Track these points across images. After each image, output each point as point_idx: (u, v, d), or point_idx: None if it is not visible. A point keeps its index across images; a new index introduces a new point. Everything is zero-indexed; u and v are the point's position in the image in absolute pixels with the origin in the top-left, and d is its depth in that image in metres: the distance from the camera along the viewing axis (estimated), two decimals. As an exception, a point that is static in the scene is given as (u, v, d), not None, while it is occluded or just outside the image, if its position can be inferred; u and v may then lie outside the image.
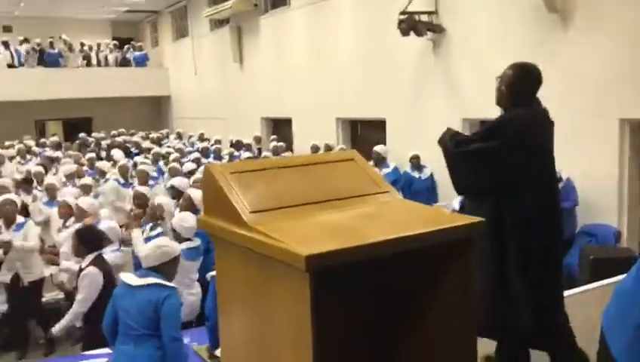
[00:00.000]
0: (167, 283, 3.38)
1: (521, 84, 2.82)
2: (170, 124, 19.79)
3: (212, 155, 10.96)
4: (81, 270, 4.23)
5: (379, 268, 2.06)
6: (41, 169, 8.93)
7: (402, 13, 7.87)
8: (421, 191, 7.92)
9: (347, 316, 2.05)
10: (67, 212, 5.91)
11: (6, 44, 17.63)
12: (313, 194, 2.04)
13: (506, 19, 7.31)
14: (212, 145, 11.89)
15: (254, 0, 13.52)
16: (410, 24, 7.80)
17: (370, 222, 1.96)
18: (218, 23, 16.14)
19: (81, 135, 15.29)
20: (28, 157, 11.76)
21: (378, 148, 8.60)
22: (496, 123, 2.82)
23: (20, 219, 5.64)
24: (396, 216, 2.07)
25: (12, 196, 5.87)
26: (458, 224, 1.90)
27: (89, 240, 4.28)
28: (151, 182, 7.98)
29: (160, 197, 6.03)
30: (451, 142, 2.91)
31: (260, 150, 11.50)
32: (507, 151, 2.69)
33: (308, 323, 1.60)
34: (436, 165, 7.69)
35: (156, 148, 11.07)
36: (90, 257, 4.23)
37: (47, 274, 5.80)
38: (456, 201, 6.36)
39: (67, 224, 5.86)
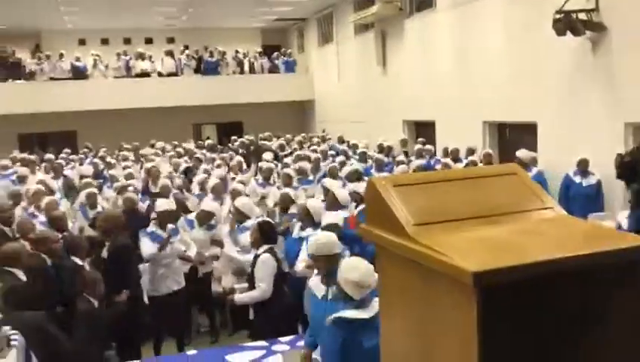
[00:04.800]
0: None
1: None
2: (314, 127, 20.46)
3: (357, 158, 11.11)
4: (255, 258, 4.59)
5: (542, 285, 2.02)
6: (208, 167, 9.81)
7: (558, 12, 7.48)
8: (579, 197, 7.45)
9: (509, 332, 2.03)
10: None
11: (171, 54, 19.35)
12: (475, 209, 2.05)
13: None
14: (359, 149, 11.98)
15: (399, 4, 13.56)
16: (567, 23, 7.39)
17: (534, 240, 1.93)
18: (362, 28, 16.41)
19: (233, 138, 16.31)
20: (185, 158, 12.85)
21: (520, 153, 8.36)
22: None
23: (213, 221, 6.44)
24: (562, 233, 2.01)
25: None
26: (630, 245, 1.81)
27: (268, 233, 4.64)
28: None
29: (311, 199, 6.27)
30: None
31: (406, 153, 11.48)
32: None
33: (474, 337, 1.63)
34: (605, 171, 7.26)
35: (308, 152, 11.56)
36: (265, 247, 4.58)
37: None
38: (622, 215, 5.79)
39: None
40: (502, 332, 1.92)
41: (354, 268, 3.14)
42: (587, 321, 1.96)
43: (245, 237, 5.58)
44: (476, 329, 1.62)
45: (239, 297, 4.76)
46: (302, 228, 5.62)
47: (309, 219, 5.54)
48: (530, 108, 9.45)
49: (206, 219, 6.47)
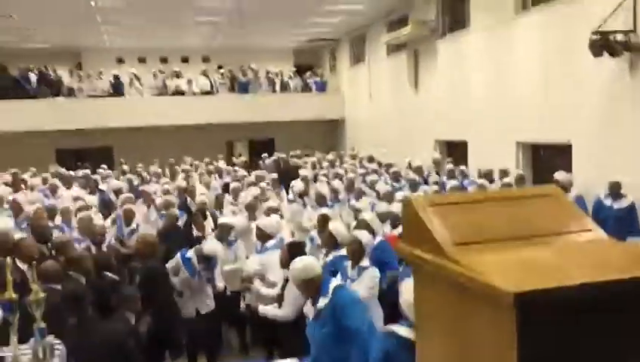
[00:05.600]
0: None
1: None
2: (344, 146, 20.51)
3: (389, 178, 11.07)
4: (286, 280, 4.63)
5: (582, 308, 2.00)
6: (239, 185, 9.86)
7: (595, 33, 7.41)
8: (610, 220, 7.30)
9: (548, 355, 2.01)
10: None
11: (205, 73, 19.73)
12: (514, 230, 2.05)
13: None
14: (390, 169, 11.95)
15: (432, 24, 13.59)
16: (603, 44, 7.32)
17: (575, 262, 1.92)
18: (395, 48, 16.47)
19: (264, 155, 16.44)
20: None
21: (559, 175, 8.21)
22: None
23: (231, 236, 6.36)
24: (603, 256, 2.00)
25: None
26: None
27: (297, 251, 4.69)
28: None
29: (334, 223, 6.21)
30: None
31: (438, 174, 11.41)
32: None
33: (513, 359, 1.63)
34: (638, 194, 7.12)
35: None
36: None
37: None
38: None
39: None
40: (540, 354, 1.91)
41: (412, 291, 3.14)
42: (628, 346, 1.94)
43: (267, 257, 5.63)
44: (515, 351, 1.62)
45: (263, 308, 4.87)
46: (326, 254, 5.60)
47: (332, 243, 5.52)
48: (564, 129, 9.34)
49: (225, 233, 6.47)
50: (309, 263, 3.89)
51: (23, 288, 3.34)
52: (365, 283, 4.82)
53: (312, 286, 3.82)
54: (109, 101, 18.51)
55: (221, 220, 6.74)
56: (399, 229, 6.25)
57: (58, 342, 2.90)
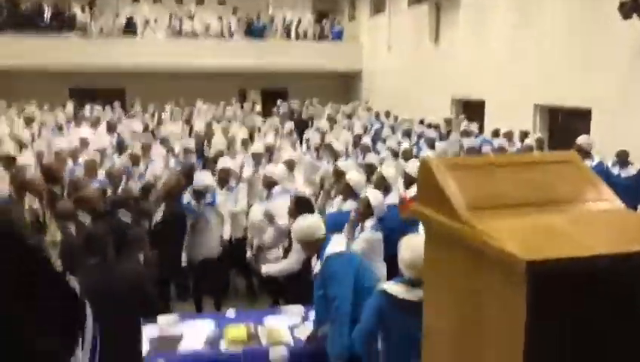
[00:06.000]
0: None
1: None
2: (360, 98, 20.29)
3: (401, 133, 11.02)
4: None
5: (596, 278, 1.99)
6: (246, 135, 9.82)
7: (626, -7, 7.17)
8: (617, 188, 7.17)
9: (557, 322, 2.01)
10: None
11: (219, 16, 19.41)
12: (530, 196, 2.02)
13: None
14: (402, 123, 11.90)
15: (457, -23, 13.20)
16: (633, 6, 7.09)
17: (590, 231, 1.89)
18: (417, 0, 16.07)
19: (279, 102, 16.29)
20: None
21: (581, 139, 8.01)
22: None
23: (232, 182, 6.37)
24: (619, 226, 1.97)
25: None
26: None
27: (304, 206, 4.71)
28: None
29: (352, 172, 6.24)
30: None
31: (449, 133, 11.33)
32: None
33: (521, 325, 1.63)
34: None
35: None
36: None
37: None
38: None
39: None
40: (550, 322, 1.91)
41: (409, 248, 3.15)
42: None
43: (273, 204, 5.67)
44: (524, 318, 1.61)
45: (267, 268, 4.90)
46: (343, 200, 5.66)
47: (349, 192, 5.56)
48: (586, 93, 9.15)
49: (225, 177, 6.49)
50: (312, 224, 3.88)
51: (38, 228, 3.38)
52: (358, 242, 4.77)
53: (313, 247, 3.87)
54: (123, 41, 18.32)
55: (220, 164, 6.73)
56: (413, 189, 6.22)
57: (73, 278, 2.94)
